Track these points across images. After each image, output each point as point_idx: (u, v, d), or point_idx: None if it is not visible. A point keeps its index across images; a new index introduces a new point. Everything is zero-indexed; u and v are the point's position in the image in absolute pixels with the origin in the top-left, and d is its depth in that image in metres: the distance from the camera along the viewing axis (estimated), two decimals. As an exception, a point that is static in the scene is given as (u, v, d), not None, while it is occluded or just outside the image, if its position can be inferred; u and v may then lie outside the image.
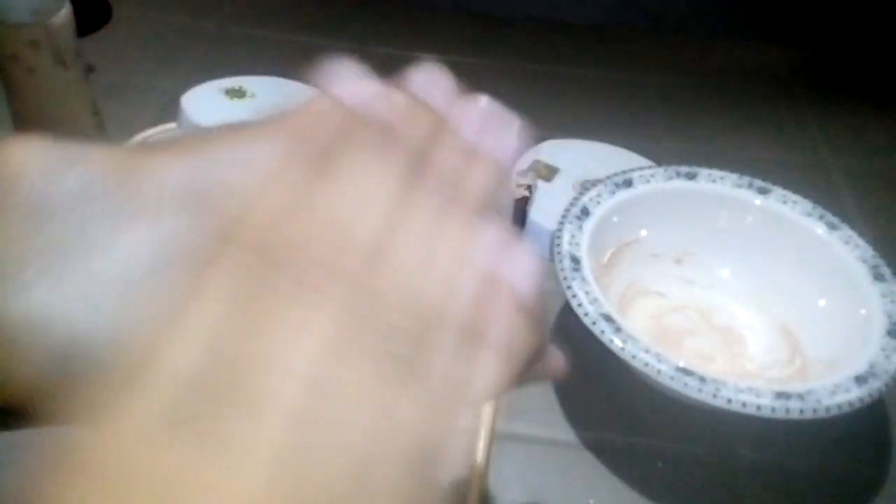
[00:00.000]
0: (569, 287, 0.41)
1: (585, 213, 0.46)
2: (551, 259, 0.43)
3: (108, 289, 0.16)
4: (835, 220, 0.47)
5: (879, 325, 0.42)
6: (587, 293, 0.41)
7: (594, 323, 0.39)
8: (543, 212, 0.52)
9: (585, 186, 0.48)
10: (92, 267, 0.16)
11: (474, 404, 0.18)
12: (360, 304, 0.15)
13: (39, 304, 0.15)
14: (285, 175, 0.17)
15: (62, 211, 0.16)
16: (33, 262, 0.16)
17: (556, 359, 0.26)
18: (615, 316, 0.40)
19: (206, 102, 0.55)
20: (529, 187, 0.54)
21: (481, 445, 0.41)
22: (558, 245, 0.43)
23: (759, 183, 0.49)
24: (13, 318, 0.15)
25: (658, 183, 0.49)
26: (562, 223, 0.45)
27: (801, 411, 0.37)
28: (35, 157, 0.16)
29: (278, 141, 0.18)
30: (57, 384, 0.16)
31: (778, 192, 0.49)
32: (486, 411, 0.43)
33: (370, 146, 0.18)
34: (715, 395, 0.37)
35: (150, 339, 0.14)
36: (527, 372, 0.21)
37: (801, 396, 0.37)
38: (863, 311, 0.43)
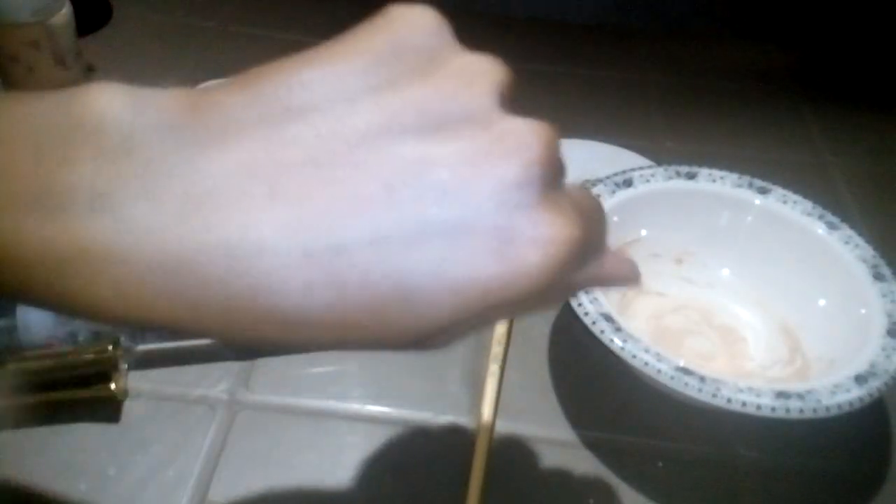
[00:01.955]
0: (569, 287, 0.41)
1: (585, 212, 0.46)
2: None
3: (193, 206, 0.17)
4: (835, 219, 0.47)
5: (879, 324, 0.42)
6: (587, 293, 0.41)
7: (594, 323, 0.39)
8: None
9: (585, 186, 0.48)
10: (179, 188, 0.17)
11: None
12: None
13: (139, 221, 0.17)
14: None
15: (146, 143, 0.18)
16: (129, 185, 0.17)
17: (618, 261, 0.25)
18: (615, 316, 0.40)
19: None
20: None
21: (482, 443, 0.41)
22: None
23: (759, 183, 0.49)
24: (116, 236, 0.17)
25: (658, 183, 0.49)
26: (562, 223, 0.45)
27: (801, 411, 0.37)
28: (116, 99, 0.18)
29: (327, 66, 0.19)
30: (153, 295, 0.18)
31: (778, 191, 0.49)
32: (487, 411, 0.43)
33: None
34: (715, 395, 0.37)
35: None
36: (580, 272, 0.22)
37: (801, 396, 0.37)
38: (863, 311, 0.43)
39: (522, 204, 0.19)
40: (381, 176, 0.18)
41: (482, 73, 0.20)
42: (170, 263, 0.17)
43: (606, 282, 0.25)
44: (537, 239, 0.19)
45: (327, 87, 0.19)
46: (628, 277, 0.26)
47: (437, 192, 0.18)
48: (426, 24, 0.20)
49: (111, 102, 0.18)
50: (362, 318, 0.19)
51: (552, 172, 0.20)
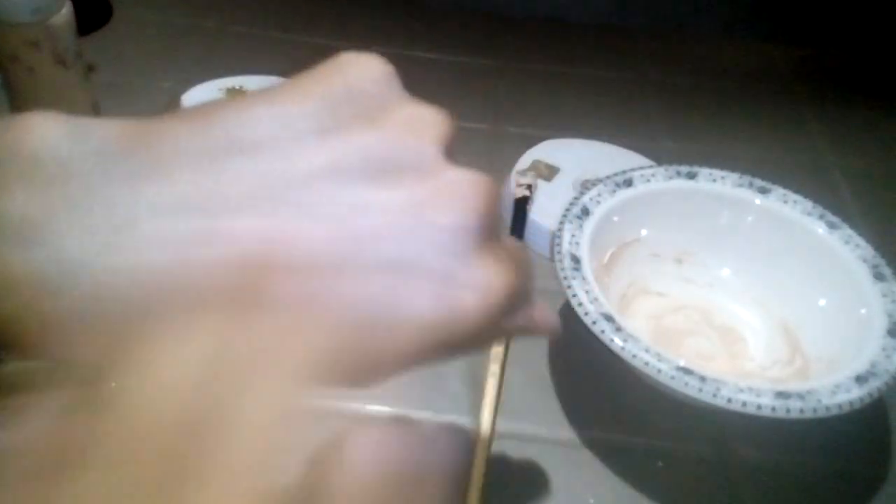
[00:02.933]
0: (569, 287, 0.41)
1: (585, 212, 0.46)
2: (551, 259, 0.43)
3: (131, 237, 0.17)
4: (835, 219, 0.47)
5: (880, 324, 0.42)
6: (587, 293, 0.41)
7: (594, 322, 0.39)
8: (543, 212, 0.53)
9: (585, 186, 0.48)
10: (115, 218, 0.17)
11: (455, 341, 0.20)
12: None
13: (70, 252, 0.17)
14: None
15: (84, 172, 0.17)
16: (61, 215, 0.17)
17: (545, 312, 0.26)
18: (615, 315, 0.40)
19: (206, 102, 0.55)
20: (530, 187, 0.54)
21: (481, 443, 0.41)
22: (558, 245, 0.43)
23: (759, 182, 0.49)
24: (47, 266, 0.17)
25: (658, 183, 0.49)
26: (562, 223, 0.45)
27: (801, 411, 0.37)
28: (54, 128, 0.18)
29: (278, 105, 0.19)
30: (81, 328, 0.17)
31: (778, 191, 0.49)
32: (487, 411, 0.43)
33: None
34: (715, 395, 0.37)
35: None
36: (510, 319, 0.23)
37: (801, 396, 0.37)
38: (863, 311, 0.43)
39: (461, 251, 0.20)
40: (321, 216, 0.18)
41: (428, 123, 0.21)
42: (101, 295, 0.17)
43: (533, 330, 0.26)
44: (474, 284, 0.20)
45: (276, 125, 0.19)
46: (552, 328, 0.27)
47: (379, 235, 0.19)
48: (376, 73, 0.21)
49: (49, 131, 0.18)
50: None
51: (489, 222, 0.21)
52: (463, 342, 0.21)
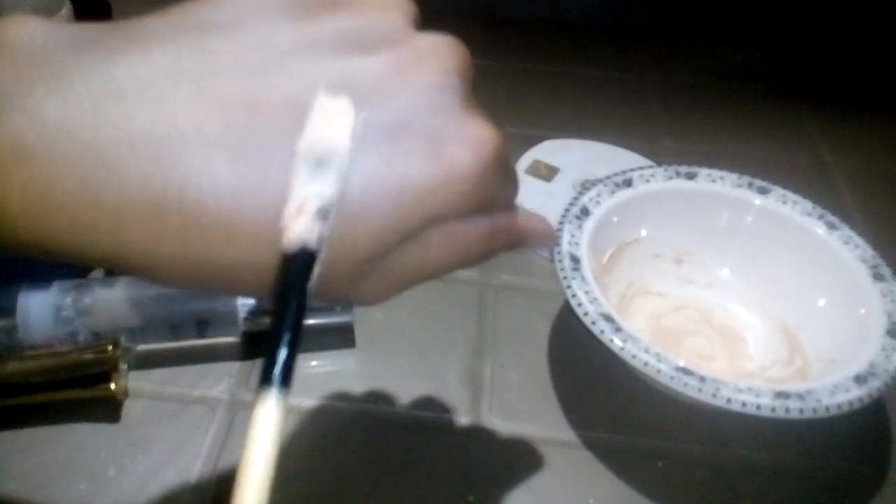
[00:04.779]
0: (568, 287, 0.41)
1: (585, 212, 0.46)
2: (551, 259, 0.43)
3: (112, 100, 0.17)
4: (835, 219, 0.47)
5: (879, 324, 0.42)
6: (587, 293, 0.41)
7: (594, 323, 0.39)
8: (543, 212, 0.53)
9: (585, 186, 0.48)
10: (94, 87, 0.17)
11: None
12: None
13: (50, 114, 0.16)
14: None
15: (59, 51, 0.17)
16: (42, 83, 0.17)
17: (537, 221, 0.26)
18: (615, 316, 0.40)
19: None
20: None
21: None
22: (558, 245, 0.43)
23: (759, 183, 0.49)
24: (29, 133, 0.16)
25: (658, 183, 0.49)
26: (562, 223, 0.45)
27: (801, 411, 0.37)
28: (30, 21, 0.18)
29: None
30: (72, 199, 0.17)
31: (778, 191, 0.49)
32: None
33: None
34: (715, 395, 0.37)
35: None
36: (496, 218, 0.22)
37: (800, 396, 0.37)
38: (863, 311, 0.43)
39: (447, 107, 0.20)
40: (314, 82, 0.18)
41: (392, 4, 0.21)
42: (84, 159, 0.16)
43: (526, 235, 0.25)
44: (466, 138, 0.20)
45: (247, 10, 0.19)
46: (546, 233, 0.26)
47: (368, 99, 0.19)
48: None
49: (24, 24, 0.18)
50: None
51: (468, 80, 0.21)
52: (458, 207, 0.20)
